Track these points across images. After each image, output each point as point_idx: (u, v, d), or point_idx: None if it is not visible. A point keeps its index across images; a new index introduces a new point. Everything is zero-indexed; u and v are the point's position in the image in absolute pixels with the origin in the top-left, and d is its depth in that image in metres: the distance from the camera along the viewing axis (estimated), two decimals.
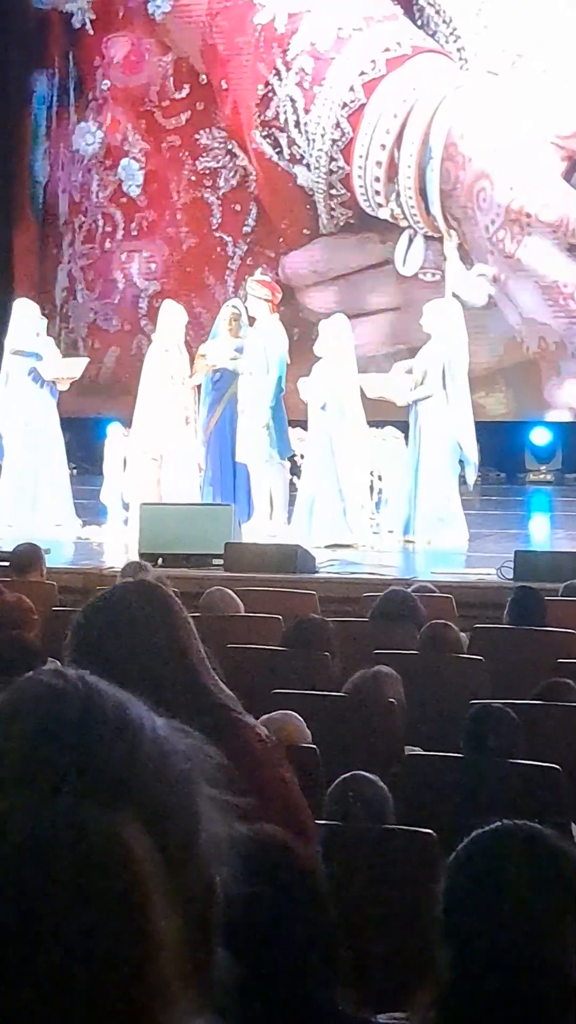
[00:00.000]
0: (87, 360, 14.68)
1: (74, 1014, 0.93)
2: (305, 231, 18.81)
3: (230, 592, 8.68)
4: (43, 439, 14.08)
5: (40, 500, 13.96)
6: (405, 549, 12.91)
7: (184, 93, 19.41)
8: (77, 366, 14.48)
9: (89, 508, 14.31)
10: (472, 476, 13.39)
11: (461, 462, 13.20)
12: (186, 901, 0.98)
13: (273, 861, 2.35)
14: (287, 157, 18.84)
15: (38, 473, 14.03)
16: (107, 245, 19.85)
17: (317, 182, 18.67)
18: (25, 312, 14.51)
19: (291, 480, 13.65)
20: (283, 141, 18.84)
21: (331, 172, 18.57)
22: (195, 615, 8.62)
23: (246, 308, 13.93)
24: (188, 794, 1.00)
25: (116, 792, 0.97)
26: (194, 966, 0.99)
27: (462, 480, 13.27)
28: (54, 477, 14.07)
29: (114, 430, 14.97)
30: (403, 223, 18.26)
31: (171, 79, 19.47)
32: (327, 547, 12.46)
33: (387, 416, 13.94)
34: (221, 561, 11.11)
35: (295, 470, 13.71)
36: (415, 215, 18.15)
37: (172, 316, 14.10)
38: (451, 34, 18.03)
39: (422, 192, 18.09)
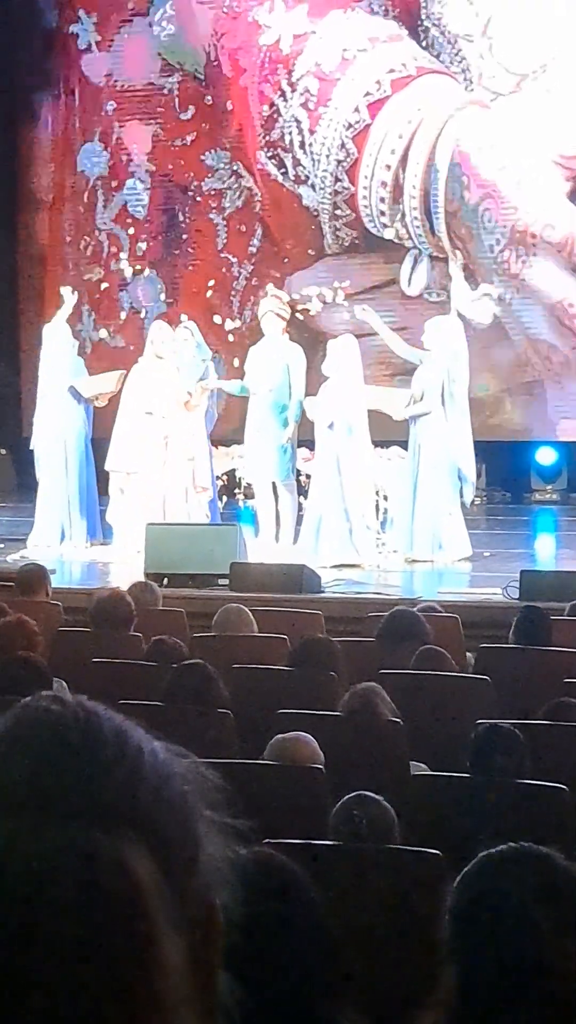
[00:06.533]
0: (122, 372, 14.57)
1: None
2: (310, 251, 18.84)
3: (245, 610, 8.65)
4: (73, 455, 14.14)
5: (62, 516, 14.05)
6: (411, 569, 12.89)
7: (189, 114, 19.45)
8: (112, 380, 14.42)
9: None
10: (469, 495, 13.36)
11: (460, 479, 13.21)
12: (189, 925, 0.98)
13: (273, 883, 2.35)
14: (292, 178, 18.87)
15: (65, 489, 14.08)
16: (112, 266, 19.88)
17: (322, 203, 18.70)
18: (57, 332, 14.57)
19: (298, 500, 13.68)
20: (288, 162, 18.88)
21: (336, 193, 18.60)
22: (202, 635, 8.63)
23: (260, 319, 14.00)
24: (189, 817, 1.00)
25: (118, 817, 0.97)
26: (198, 990, 0.99)
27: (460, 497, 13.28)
28: (79, 492, 14.11)
29: (111, 451, 14.98)
30: (408, 243, 18.29)
31: (176, 100, 19.51)
32: (333, 567, 12.46)
33: (393, 436, 13.94)
34: (227, 581, 11.11)
35: (301, 490, 13.73)
36: (420, 235, 18.18)
37: (155, 334, 14.10)
38: (456, 55, 18.07)
39: (427, 212, 18.11)
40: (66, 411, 14.20)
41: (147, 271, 19.69)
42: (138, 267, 19.71)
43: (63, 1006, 0.92)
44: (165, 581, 10.99)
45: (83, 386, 14.22)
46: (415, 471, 13.14)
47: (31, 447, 14.58)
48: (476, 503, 14.75)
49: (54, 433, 14.19)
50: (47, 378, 14.38)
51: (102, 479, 14.52)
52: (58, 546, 13.72)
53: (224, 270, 19.26)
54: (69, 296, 14.68)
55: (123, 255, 19.79)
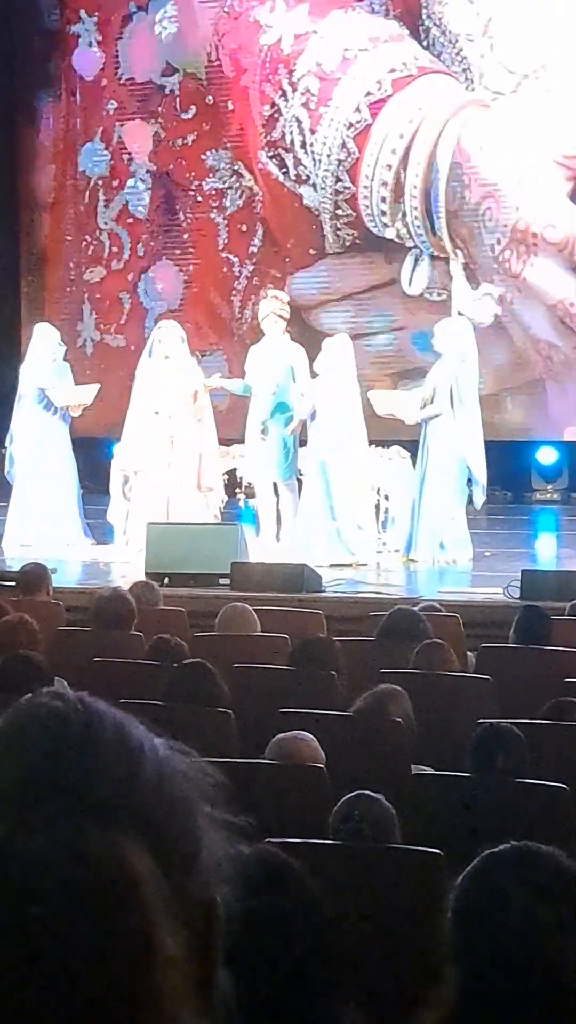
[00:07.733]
0: (98, 387, 14.65)
1: None
2: (311, 251, 18.83)
3: (249, 609, 8.64)
4: (53, 461, 14.15)
5: (49, 521, 14.02)
6: (412, 568, 12.88)
7: (190, 114, 19.44)
8: (88, 393, 14.48)
9: (96, 527, 14.34)
10: (480, 498, 13.34)
11: (469, 482, 13.20)
12: (188, 921, 0.98)
13: (273, 880, 2.35)
14: (293, 178, 18.87)
15: (47, 495, 14.08)
16: (113, 266, 19.88)
17: (323, 202, 18.69)
18: (44, 337, 14.57)
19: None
20: (289, 162, 18.87)
21: (337, 192, 18.60)
22: (203, 634, 8.63)
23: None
24: (189, 814, 1.01)
25: (118, 813, 0.97)
26: (197, 985, 0.99)
27: (469, 500, 13.25)
28: (63, 498, 14.12)
29: (119, 450, 14.99)
30: (409, 243, 18.27)
31: (177, 100, 19.51)
32: (332, 566, 12.45)
33: (393, 435, 13.94)
34: (228, 581, 11.11)
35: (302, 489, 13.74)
36: (421, 235, 18.17)
37: (163, 333, 14.10)
38: (457, 55, 18.06)
39: (428, 212, 18.10)
40: (42, 415, 14.24)
41: (148, 271, 19.69)
42: (139, 267, 19.70)
43: (62, 1002, 0.93)
44: (166, 580, 11.00)
45: (57, 395, 14.23)
46: (423, 473, 13.14)
47: (6, 444, 14.61)
48: None
49: (33, 436, 14.22)
50: (27, 380, 14.38)
51: (103, 478, 14.53)
52: (43, 547, 13.66)
53: (225, 270, 19.25)
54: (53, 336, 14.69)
55: (124, 255, 19.79)
